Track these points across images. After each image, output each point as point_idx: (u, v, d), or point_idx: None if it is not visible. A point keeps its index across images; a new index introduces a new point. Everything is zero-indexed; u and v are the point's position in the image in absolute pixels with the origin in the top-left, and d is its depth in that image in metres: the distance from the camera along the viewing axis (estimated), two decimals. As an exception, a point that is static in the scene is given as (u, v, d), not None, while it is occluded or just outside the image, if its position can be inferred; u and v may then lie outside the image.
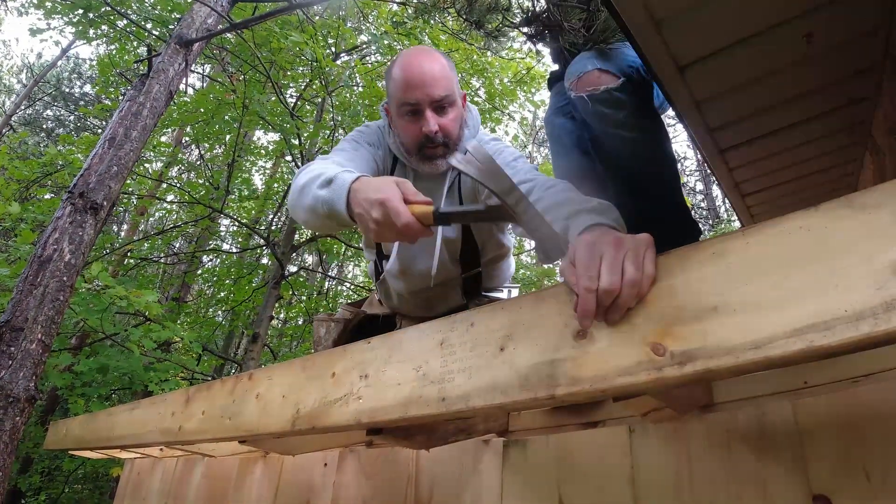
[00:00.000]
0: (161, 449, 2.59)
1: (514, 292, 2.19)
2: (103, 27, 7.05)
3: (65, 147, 6.64)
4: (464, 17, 2.11)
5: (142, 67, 8.93)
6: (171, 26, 7.05)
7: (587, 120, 1.52)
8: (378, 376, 1.14)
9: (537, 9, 1.79)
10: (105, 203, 1.92)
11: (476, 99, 7.15)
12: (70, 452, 3.24)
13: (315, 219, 1.37)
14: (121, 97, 10.35)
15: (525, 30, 1.82)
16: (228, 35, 6.16)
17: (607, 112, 1.45)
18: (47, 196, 7.21)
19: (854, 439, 0.95)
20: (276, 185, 9.83)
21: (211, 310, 10.60)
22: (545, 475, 1.36)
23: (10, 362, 2.17)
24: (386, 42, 6.22)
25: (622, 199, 1.58)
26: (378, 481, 1.73)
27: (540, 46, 1.91)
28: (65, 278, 1.78)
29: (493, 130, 7.75)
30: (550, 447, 1.38)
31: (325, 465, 1.92)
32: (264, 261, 10.62)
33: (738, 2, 1.04)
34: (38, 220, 5.82)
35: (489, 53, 6.50)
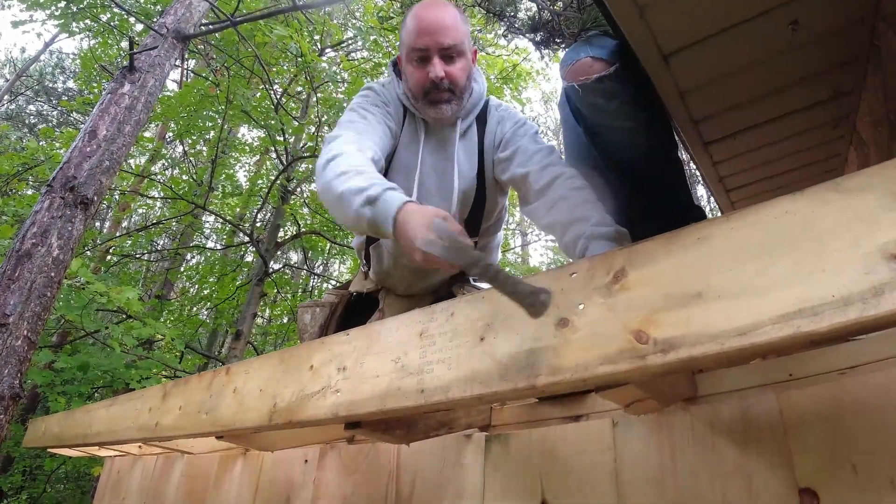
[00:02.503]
0: (139, 446, 2.54)
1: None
2: (86, 20, 6.95)
3: (46, 141, 6.53)
4: (485, 8, 2.14)
5: (123, 61, 8.81)
6: (154, 18, 6.97)
7: (581, 110, 1.49)
8: (356, 368, 1.11)
9: (543, 17, 1.79)
10: (96, 198, 1.87)
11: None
12: (50, 451, 3.18)
13: (356, 227, 1.39)
14: (103, 91, 10.21)
15: (531, 36, 1.82)
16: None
17: (599, 102, 1.42)
18: (28, 192, 7.09)
19: (840, 432, 0.93)
20: (259, 181, 9.73)
21: (195, 308, 10.49)
22: (528, 469, 1.34)
23: None
24: (372, 37, 6.18)
25: (622, 190, 1.55)
26: (359, 477, 1.70)
27: (545, 51, 1.91)
28: (52, 274, 1.74)
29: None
30: (533, 441, 1.35)
31: (306, 461, 1.88)
32: (248, 258, 10.54)
33: None
34: (19, 213, 5.73)
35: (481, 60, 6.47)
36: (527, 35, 1.99)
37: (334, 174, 1.38)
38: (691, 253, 0.73)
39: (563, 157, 1.65)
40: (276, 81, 7.62)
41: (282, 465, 1.96)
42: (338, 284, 1.92)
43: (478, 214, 1.80)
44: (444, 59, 1.62)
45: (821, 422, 0.95)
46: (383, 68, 7.01)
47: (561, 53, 1.93)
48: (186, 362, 7.94)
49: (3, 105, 14.02)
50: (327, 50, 7.55)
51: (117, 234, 8.35)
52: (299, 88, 7.67)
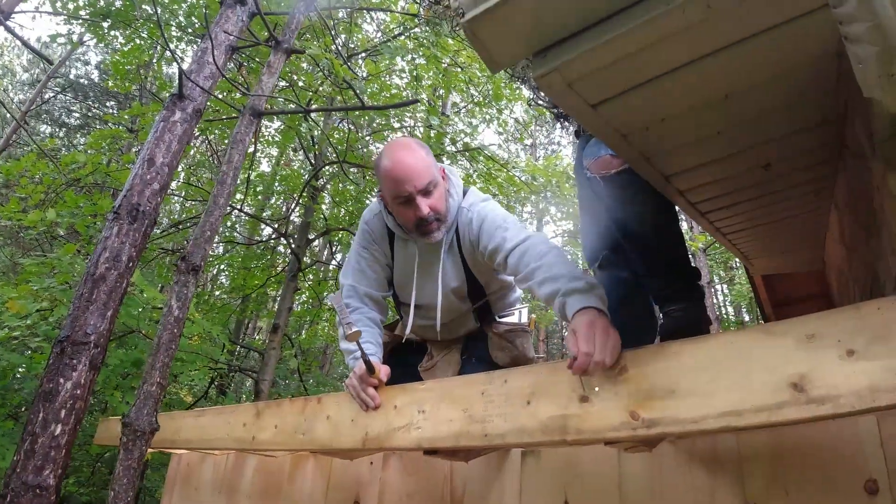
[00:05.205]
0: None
1: (524, 313, 2.54)
2: (120, 30, 7.31)
3: (90, 150, 6.93)
4: (510, 72, 2.46)
5: (157, 65, 9.15)
6: (188, 29, 7.32)
7: (602, 194, 1.88)
8: (433, 412, 1.53)
9: None
10: (202, 263, 2.28)
11: (482, 100, 7.48)
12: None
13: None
14: (134, 89, 10.58)
15: (555, 110, 2.16)
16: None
17: (616, 191, 1.81)
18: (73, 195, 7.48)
19: (779, 465, 1.34)
20: (282, 172, 10.11)
21: (220, 294, 11.00)
22: (554, 478, 1.76)
23: (73, 374, 2.55)
24: (393, 47, 6.52)
25: (631, 251, 1.95)
26: (419, 479, 2.12)
27: (565, 123, 2.25)
28: (175, 330, 2.14)
29: (503, 124, 8.02)
30: (559, 457, 1.77)
31: (371, 463, 2.30)
32: (273, 246, 10.98)
33: (692, 138, 1.39)
34: (70, 222, 6.10)
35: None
36: (550, 108, 2.34)
37: (341, 338, 1.93)
38: (670, 361, 1.14)
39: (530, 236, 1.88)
40: (303, 81, 7.98)
41: (349, 466, 2.38)
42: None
43: (478, 292, 2.17)
44: (425, 196, 1.86)
45: (766, 457, 1.36)
46: (405, 74, 7.37)
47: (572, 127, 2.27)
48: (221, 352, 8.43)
49: (35, 106, 14.45)
50: (358, 56, 7.87)
51: (158, 231, 8.81)
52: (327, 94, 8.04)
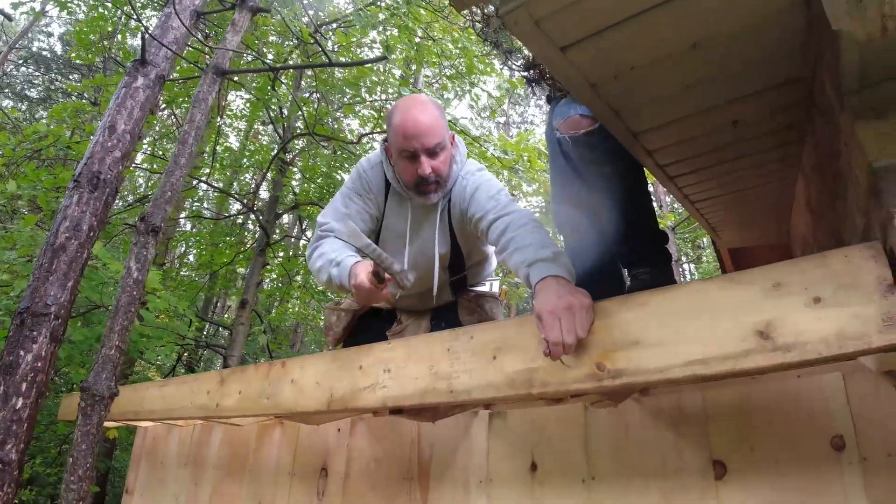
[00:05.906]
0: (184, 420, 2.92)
1: (496, 284, 2.54)
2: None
3: (52, 123, 6.71)
4: (483, 37, 2.42)
5: (121, 35, 8.87)
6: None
7: (571, 155, 1.86)
8: (399, 371, 1.50)
9: (536, 61, 2.08)
10: (162, 225, 2.21)
11: (455, 74, 7.40)
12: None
13: (331, 288, 1.91)
14: (98, 61, 10.26)
15: (525, 74, 2.12)
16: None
17: (585, 151, 1.79)
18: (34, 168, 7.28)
19: (744, 422, 1.34)
20: (251, 146, 9.93)
21: (186, 272, 10.82)
22: (521, 439, 1.75)
23: (33, 345, 2.48)
24: (364, 16, 6.39)
25: (599, 217, 1.93)
26: (386, 444, 2.11)
27: (536, 88, 2.21)
28: (134, 293, 2.07)
29: (476, 98, 7.95)
30: (526, 418, 1.76)
31: (339, 430, 2.28)
32: (239, 221, 10.82)
33: (666, 85, 1.37)
34: (32, 194, 5.93)
35: (472, 35, 6.72)
36: (521, 72, 2.31)
37: (318, 256, 1.94)
38: (635, 312, 1.12)
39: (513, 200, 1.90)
40: (271, 52, 7.80)
41: (317, 433, 2.35)
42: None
43: (459, 261, 2.14)
44: (430, 156, 1.86)
45: (732, 414, 1.37)
46: (376, 45, 7.24)
47: (542, 90, 2.24)
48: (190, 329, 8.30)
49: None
50: (327, 26, 7.71)
51: (121, 205, 8.60)
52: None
